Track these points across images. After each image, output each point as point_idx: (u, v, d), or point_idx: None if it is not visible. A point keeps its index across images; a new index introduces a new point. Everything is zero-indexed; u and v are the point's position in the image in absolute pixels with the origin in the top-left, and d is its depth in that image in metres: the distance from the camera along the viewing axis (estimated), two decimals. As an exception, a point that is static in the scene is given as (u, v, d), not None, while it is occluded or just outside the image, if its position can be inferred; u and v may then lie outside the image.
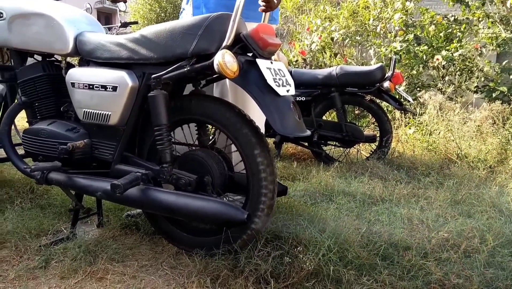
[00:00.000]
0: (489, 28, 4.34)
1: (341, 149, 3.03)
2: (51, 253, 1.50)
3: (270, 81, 1.22)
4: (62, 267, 1.42)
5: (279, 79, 1.27)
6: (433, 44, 4.41)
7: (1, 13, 1.59)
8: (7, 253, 1.53)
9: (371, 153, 2.97)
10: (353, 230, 1.61)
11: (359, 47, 5.23)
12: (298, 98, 2.89)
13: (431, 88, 4.32)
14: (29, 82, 1.63)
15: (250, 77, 1.23)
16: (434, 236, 1.64)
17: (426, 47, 4.28)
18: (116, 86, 1.36)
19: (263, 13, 1.44)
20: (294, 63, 4.92)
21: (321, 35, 4.66)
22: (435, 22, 4.65)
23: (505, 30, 4.13)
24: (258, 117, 1.51)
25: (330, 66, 5.08)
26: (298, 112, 1.30)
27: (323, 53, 4.91)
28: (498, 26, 4.19)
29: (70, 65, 1.62)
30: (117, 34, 4.80)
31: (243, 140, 1.32)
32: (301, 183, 2.26)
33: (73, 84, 1.46)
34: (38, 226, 1.69)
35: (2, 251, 1.54)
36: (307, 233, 1.43)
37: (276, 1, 1.34)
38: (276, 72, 1.27)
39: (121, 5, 4.65)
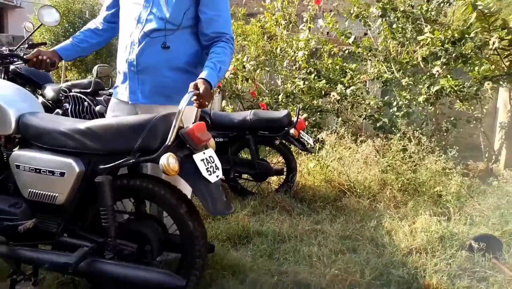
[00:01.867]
0: (375, 66, 5.13)
1: (254, 182, 3.42)
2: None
3: (204, 172, 1.51)
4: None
5: (210, 167, 1.57)
6: (331, 77, 5.09)
7: None
8: None
9: (279, 185, 3.42)
10: (266, 272, 1.99)
11: (268, 74, 5.72)
12: (216, 139, 3.20)
13: (329, 113, 5.00)
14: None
15: (187, 170, 1.50)
16: (327, 272, 2.09)
17: (324, 81, 4.91)
18: (64, 172, 1.53)
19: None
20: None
21: (234, 66, 5.03)
22: (332, 53, 5.35)
23: (388, 70, 4.94)
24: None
25: (242, 91, 5.52)
26: (226, 192, 1.61)
27: (236, 78, 5.29)
28: (382, 65, 4.98)
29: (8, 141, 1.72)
30: (24, 55, 4.60)
31: (176, 214, 1.60)
32: (222, 224, 2.57)
33: (18, 166, 1.59)
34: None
35: None
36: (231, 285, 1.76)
37: (206, 103, 1.63)
38: (208, 160, 1.57)
39: (27, 25, 4.44)
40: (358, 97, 4.84)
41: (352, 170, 3.62)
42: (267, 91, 5.47)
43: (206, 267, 1.84)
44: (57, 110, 3.73)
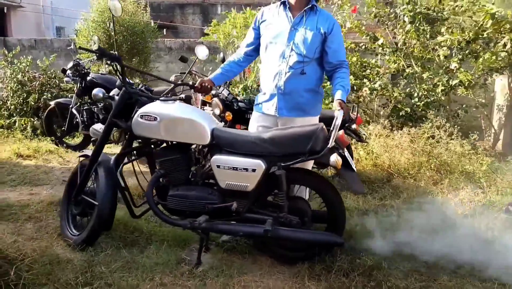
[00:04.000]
0: (394, 61, 5.85)
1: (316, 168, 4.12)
2: (199, 275, 2.28)
3: (352, 164, 2.21)
4: (215, 283, 2.22)
5: (351, 160, 2.27)
6: (353, 71, 5.76)
7: (156, 117, 2.26)
8: (168, 280, 2.25)
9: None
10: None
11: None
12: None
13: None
14: (168, 160, 2.34)
15: (343, 163, 2.19)
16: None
17: (352, 77, 5.60)
18: (255, 169, 2.20)
19: None
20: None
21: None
22: (349, 48, 6.00)
23: (407, 65, 5.66)
24: None
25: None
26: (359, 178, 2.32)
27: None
28: (402, 60, 5.70)
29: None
30: (92, 64, 5.14)
31: (325, 194, 2.30)
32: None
33: (218, 166, 2.25)
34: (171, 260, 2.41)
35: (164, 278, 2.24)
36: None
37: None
38: (349, 156, 2.26)
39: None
40: (385, 90, 5.57)
41: (393, 155, 4.36)
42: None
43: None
44: None
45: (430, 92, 5.35)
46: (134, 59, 6.82)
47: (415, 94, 5.49)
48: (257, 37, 2.58)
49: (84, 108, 4.86)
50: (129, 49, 6.71)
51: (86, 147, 5.26)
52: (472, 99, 5.47)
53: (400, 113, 5.62)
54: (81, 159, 2.67)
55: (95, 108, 4.85)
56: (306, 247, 2.39)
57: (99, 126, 4.62)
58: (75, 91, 4.90)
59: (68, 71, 4.87)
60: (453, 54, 5.08)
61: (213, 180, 2.41)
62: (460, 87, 5.20)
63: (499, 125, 5.92)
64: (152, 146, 2.49)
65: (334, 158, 2.10)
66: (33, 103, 6.04)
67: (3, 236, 2.55)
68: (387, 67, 5.94)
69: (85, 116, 4.84)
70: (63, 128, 5.15)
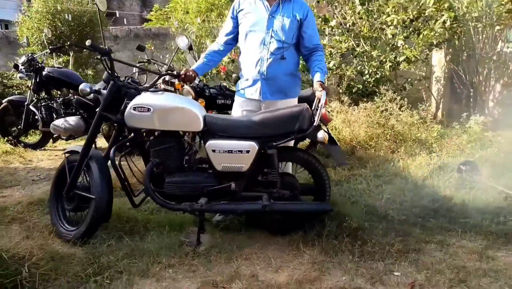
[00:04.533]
0: (344, 41, 6.19)
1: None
2: (202, 254, 2.43)
3: (335, 139, 2.44)
4: (220, 259, 2.38)
5: (333, 135, 2.50)
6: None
7: (149, 108, 2.33)
8: (174, 261, 2.37)
9: (306, 147, 4.40)
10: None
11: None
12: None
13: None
14: (162, 149, 2.43)
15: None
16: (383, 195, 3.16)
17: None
18: (249, 150, 2.36)
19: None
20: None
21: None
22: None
23: (356, 44, 6.03)
24: None
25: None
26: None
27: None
28: (351, 40, 6.06)
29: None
30: (46, 58, 4.92)
31: (314, 168, 2.53)
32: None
33: (214, 150, 2.37)
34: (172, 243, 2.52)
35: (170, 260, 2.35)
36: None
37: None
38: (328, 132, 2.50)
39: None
40: (339, 70, 5.91)
41: (352, 129, 4.72)
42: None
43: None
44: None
45: (379, 69, 5.77)
46: (84, 50, 6.57)
47: (366, 72, 5.88)
48: (235, 25, 2.70)
49: (42, 104, 4.69)
50: (78, 40, 6.45)
51: (45, 144, 5.09)
52: (414, 73, 5.98)
53: (353, 90, 6.02)
54: (67, 155, 2.67)
55: (54, 104, 4.70)
56: (297, 217, 2.62)
57: (60, 122, 4.53)
58: (31, 87, 4.70)
59: (21, 67, 4.65)
60: (398, 33, 5.50)
61: (205, 164, 2.54)
62: (404, 62, 5.66)
63: (438, 95, 6.52)
64: (144, 137, 2.55)
65: (322, 134, 2.32)
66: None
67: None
68: (339, 47, 6.27)
69: (43, 112, 4.67)
70: (19, 126, 4.93)
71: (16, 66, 4.71)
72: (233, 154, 2.38)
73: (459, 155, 3.96)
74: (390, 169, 3.77)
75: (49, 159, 4.64)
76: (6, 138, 4.96)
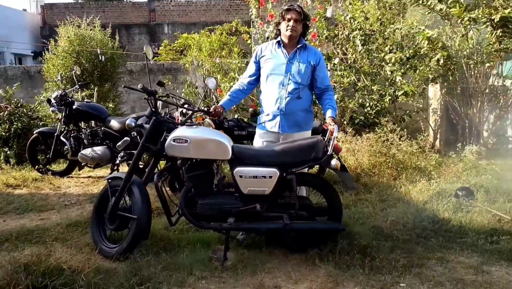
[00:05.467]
0: (346, 76, 6.67)
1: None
2: (230, 268, 2.74)
3: (346, 167, 2.82)
4: (245, 272, 2.70)
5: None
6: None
7: (186, 140, 2.72)
8: (206, 274, 2.68)
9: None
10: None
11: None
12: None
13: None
14: (196, 175, 2.80)
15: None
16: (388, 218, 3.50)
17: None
18: (271, 176, 2.73)
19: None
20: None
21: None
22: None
23: (357, 79, 6.51)
24: None
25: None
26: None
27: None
28: (352, 76, 6.53)
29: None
30: (75, 93, 5.37)
31: (327, 192, 2.88)
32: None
33: (241, 176, 2.75)
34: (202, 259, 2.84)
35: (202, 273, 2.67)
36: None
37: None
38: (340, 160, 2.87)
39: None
40: (342, 103, 6.35)
41: (356, 157, 5.09)
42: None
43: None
44: (125, 138, 4.60)
45: (380, 102, 6.21)
46: (106, 85, 7.07)
47: (367, 104, 6.33)
48: (258, 68, 3.14)
49: (71, 135, 5.09)
50: (100, 76, 6.95)
51: (71, 172, 5.45)
52: (412, 105, 6.43)
53: (356, 121, 6.45)
54: (109, 180, 3.03)
55: (82, 135, 5.10)
56: (312, 236, 2.95)
57: (88, 152, 4.92)
58: (61, 120, 5.11)
59: (53, 101, 5.08)
60: (396, 69, 5.98)
61: (232, 188, 2.91)
62: (402, 96, 6.11)
63: (435, 126, 6.93)
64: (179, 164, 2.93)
65: (334, 162, 2.70)
66: (3, 133, 6.08)
67: (42, 254, 2.84)
68: (341, 82, 6.74)
69: (72, 142, 5.07)
70: (48, 156, 5.31)
71: (49, 101, 5.14)
72: (258, 179, 2.75)
73: (456, 181, 4.32)
74: (393, 194, 4.12)
75: (76, 185, 4.99)
76: (36, 166, 5.32)
